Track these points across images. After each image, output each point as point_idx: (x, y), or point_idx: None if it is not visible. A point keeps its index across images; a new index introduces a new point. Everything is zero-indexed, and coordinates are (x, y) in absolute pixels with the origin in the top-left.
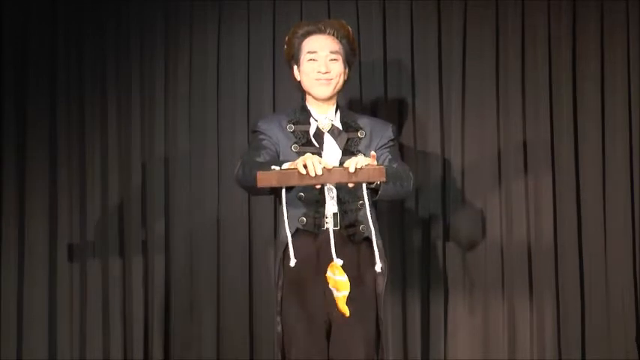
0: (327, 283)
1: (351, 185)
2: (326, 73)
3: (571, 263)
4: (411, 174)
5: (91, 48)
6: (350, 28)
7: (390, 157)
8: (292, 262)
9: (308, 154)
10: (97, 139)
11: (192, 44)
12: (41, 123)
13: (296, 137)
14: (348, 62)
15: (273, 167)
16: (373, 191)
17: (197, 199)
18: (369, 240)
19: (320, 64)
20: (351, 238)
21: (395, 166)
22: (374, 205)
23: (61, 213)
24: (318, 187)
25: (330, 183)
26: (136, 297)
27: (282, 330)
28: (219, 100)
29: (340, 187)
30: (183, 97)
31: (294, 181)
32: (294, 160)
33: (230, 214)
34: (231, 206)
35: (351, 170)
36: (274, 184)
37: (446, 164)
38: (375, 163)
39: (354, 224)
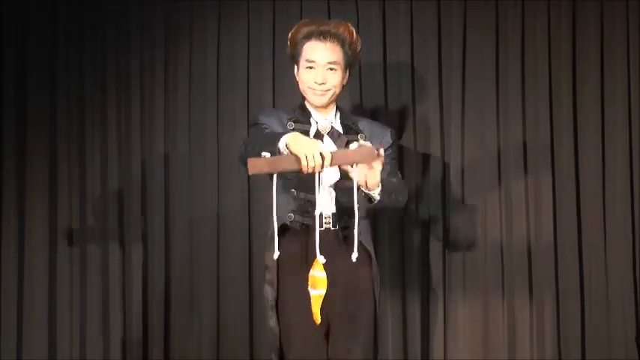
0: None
1: (350, 172)
2: (322, 84)
3: (571, 263)
4: (406, 190)
5: (91, 48)
6: (353, 30)
7: (388, 169)
8: (275, 255)
9: (308, 148)
10: (97, 138)
11: (192, 44)
12: (41, 123)
13: None
14: (349, 66)
15: (263, 154)
16: (369, 200)
17: (197, 199)
18: (362, 244)
19: (317, 74)
20: (346, 240)
21: (394, 180)
22: (369, 216)
23: (61, 213)
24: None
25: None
26: (135, 297)
27: (280, 330)
28: (219, 99)
29: (339, 189)
30: (183, 96)
31: (286, 166)
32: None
33: (230, 213)
34: (231, 205)
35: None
36: (266, 170)
37: (446, 165)
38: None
39: (348, 226)
